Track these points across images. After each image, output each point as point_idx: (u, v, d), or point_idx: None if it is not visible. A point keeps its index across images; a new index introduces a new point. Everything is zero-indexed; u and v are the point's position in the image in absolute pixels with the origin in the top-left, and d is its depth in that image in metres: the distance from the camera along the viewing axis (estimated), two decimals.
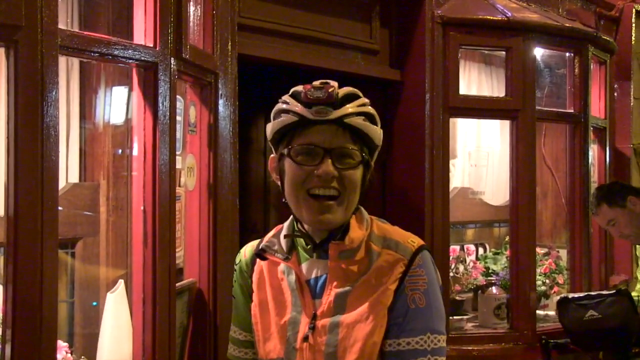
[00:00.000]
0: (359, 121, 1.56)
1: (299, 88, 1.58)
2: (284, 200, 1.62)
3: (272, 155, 1.65)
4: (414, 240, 1.62)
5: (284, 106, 1.58)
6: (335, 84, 1.58)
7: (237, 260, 1.76)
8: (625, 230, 3.61)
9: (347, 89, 1.59)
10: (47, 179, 1.81)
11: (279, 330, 1.61)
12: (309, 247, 1.63)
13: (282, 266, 1.65)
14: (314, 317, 1.57)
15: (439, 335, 1.55)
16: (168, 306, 2.23)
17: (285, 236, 1.65)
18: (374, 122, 1.60)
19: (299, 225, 1.64)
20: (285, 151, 1.58)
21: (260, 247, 1.68)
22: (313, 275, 1.61)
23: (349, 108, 1.55)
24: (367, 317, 1.54)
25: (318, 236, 1.62)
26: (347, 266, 1.58)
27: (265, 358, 1.63)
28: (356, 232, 1.60)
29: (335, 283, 1.58)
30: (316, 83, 1.57)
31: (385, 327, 1.55)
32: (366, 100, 1.61)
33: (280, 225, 1.71)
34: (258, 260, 1.69)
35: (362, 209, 1.66)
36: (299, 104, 1.55)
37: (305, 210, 1.57)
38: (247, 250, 1.75)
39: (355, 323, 1.54)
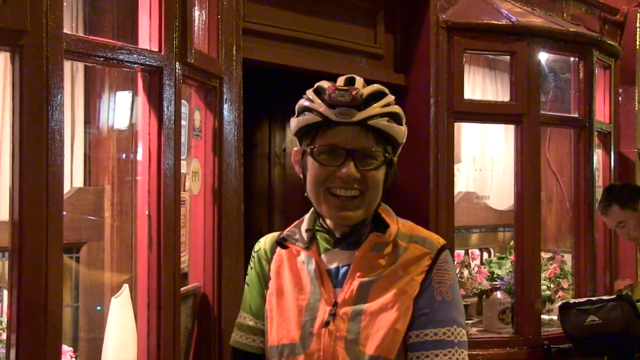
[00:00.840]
0: (383, 122, 1.54)
1: (324, 84, 1.56)
2: (305, 194, 1.62)
3: (295, 149, 1.65)
4: (439, 238, 1.65)
5: (308, 104, 1.56)
6: (360, 82, 1.57)
7: (257, 249, 1.75)
8: (634, 232, 3.61)
9: (372, 88, 1.57)
10: (52, 183, 1.81)
11: (295, 316, 1.60)
12: (331, 240, 1.63)
13: (302, 256, 1.65)
14: (334, 305, 1.57)
15: (463, 329, 1.58)
16: (173, 311, 2.22)
17: (306, 231, 1.65)
18: (398, 121, 1.59)
19: (321, 220, 1.65)
20: (308, 150, 1.57)
21: (281, 236, 1.69)
22: (334, 265, 1.61)
23: (374, 109, 1.53)
24: (391, 306, 1.55)
25: (339, 231, 1.62)
26: (375, 259, 1.59)
27: (277, 344, 1.61)
28: (393, 227, 1.62)
29: (359, 273, 1.58)
30: (341, 82, 1.56)
31: (409, 318, 1.55)
32: (391, 99, 1.58)
33: (301, 218, 1.71)
34: (278, 249, 1.69)
35: (387, 206, 1.67)
36: (322, 104, 1.54)
37: (325, 207, 1.58)
38: (267, 239, 1.75)
39: (379, 311, 1.55)
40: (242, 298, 1.76)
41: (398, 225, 1.65)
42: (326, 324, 1.56)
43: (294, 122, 1.60)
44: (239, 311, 1.75)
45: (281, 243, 1.68)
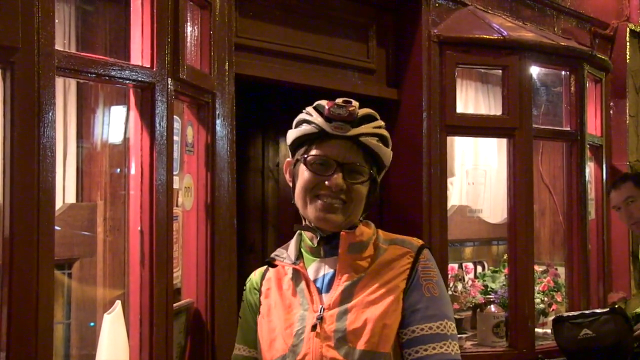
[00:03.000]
0: (372, 142, 1.67)
1: (323, 102, 1.68)
2: (293, 202, 1.73)
3: (288, 159, 1.76)
4: (418, 240, 1.75)
5: (306, 117, 1.69)
6: (356, 103, 1.68)
7: (247, 282, 1.84)
8: (638, 212, 3.60)
9: (366, 110, 1.70)
10: (44, 199, 1.81)
11: (284, 329, 1.66)
12: (314, 245, 1.71)
13: (289, 274, 1.73)
14: (321, 310, 1.63)
15: (453, 323, 1.65)
16: (165, 327, 2.22)
17: (295, 227, 1.75)
18: (386, 144, 1.71)
19: (307, 222, 1.73)
20: (302, 158, 1.68)
21: (270, 257, 1.78)
22: (320, 274, 1.69)
23: (366, 128, 1.66)
24: (376, 301, 1.61)
25: (324, 233, 1.71)
26: (356, 261, 1.67)
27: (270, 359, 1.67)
28: (364, 228, 1.72)
29: (343, 277, 1.66)
30: (339, 100, 1.68)
31: (398, 313, 1.61)
32: (382, 123, 1.71)
33: (287, 242, 1.80)
34: (266, 275, 1.78)
35: (368, 220, 1.77)
36: (320, 117, 1.66)
37: (310, 209, 1.67)
38: (257, 272, 1.84)
39: (364, 307, 1.61)
40: (237, 331, 1.82)
41: (378, 232, 1.75)
42: (314, 327, 1.61)
43: (291, 133, 1.72)
44: (235, 344, 1.81)
45: (269, 262, 1.76)
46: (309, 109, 1.71)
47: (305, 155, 1.67)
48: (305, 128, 1.68)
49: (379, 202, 3.79)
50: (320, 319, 1.61)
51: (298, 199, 1.70)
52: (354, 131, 1.65)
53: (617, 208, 3.74)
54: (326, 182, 1.64)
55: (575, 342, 3.44)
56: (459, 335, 3.79)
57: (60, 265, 2.61)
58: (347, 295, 1.63)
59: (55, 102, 1.86)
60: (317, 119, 1.66)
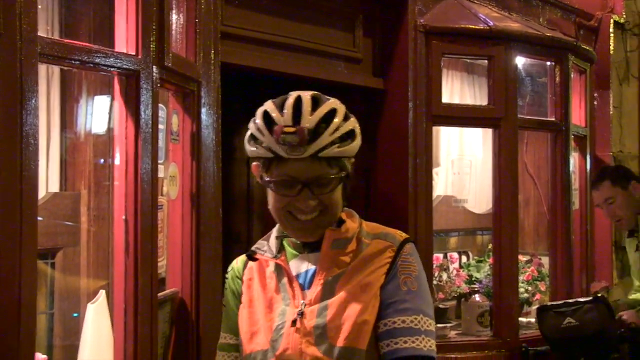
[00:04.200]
0: (334, 151, 1.55)
1: (273, 114, 1.56)
2: (269, 207, 1.65)
3: (254, 164, 1.65)
4: (402, 233, 1.69)
5: (258, 135, 1.57)
6: (307, 105, 1.55)
7: (229, 269, 1.79)
8: (620, 211, 3.67)
9: (320, 112, 1.56)
10: (26, 188, 1.78)
11: (265, 323, 1.63)
12: (298, 242, 1.66)
13: (271, 267, 1.68)
14: (302, 306, 1.60)
15: (430, 319, 1.60)
16: (150, 316, 2.21)
17: (276, 237, 1.69)
18: (351, 137, 1.60)
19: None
20: (264, 181, 1.60)
21: (250, 249, 1.72)
22: (303, 270, 1.65)
23: (323, 140, 1.54)
24: (356, 298, 1.58)
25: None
26: (338, 256, 1.63)
27: (250, 352, 1.64)
28: (351, 224, 1.66)
29: (325, 273, 1.62)
30: (288, 116, 1.54)
31: (376, 308, 1.58)
32: (341, 116, 1.58)
33: (269, 232, 1.74)
34: (248, 264, 1.73)
35: (351, 210, 1.71)
36: (271, 138, 1.54)
37: (289, 229, 1.63)
38: (239, 259, 1.79)
39: (344, 303, 1.58)
40: (222, 320, 1.78)
41: (362, 225, 1.69)
42: (294, 322, 1.59)
43: (247, 151, 1.61)
44: (221, 333, 1.77)
45: (250, 256, 1.71)
46: (259, 121, 1.57)
47: (267, 178, 1.58)
48: (259, 151, 1.57)
49: (365, 191, 3.79)
50: (301, 314, 1.59)
51: (273, 214, 1.63)
52: (311, 149, 1.52)
53: (600, 207, 3.81)
54: (295, 203, 1.57)
55: (559, 331, 3.47)
56: (443, 325, 3.85)
57: (43, 254, 2.59)
58: (328, 291, 1.60)
59: (38, 89, 1.83)
60: (268, 140, 1.54)
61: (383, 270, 1.61)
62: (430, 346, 1.57)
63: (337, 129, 1.57)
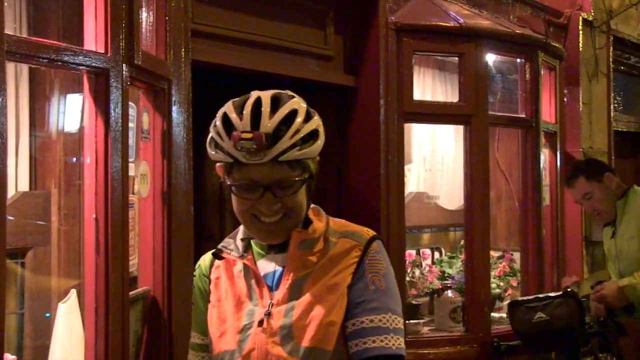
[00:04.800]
0: (294, 154, 1.53)
1: (232, 116, 1.53)
2: (234, 209, 1.63)
3: (218, 164, 1.62)
4: (369, 231, 1.68)
5: (218, 140, 1.55)
6: (266, 107, 1.53)
7: (196, 267, 1.78)
8: (599, 205, 3.69)
9: (280, 114, 1.53)
10: None
11: (233, 323, 1.62)
12: (264, 247, 1.65)
13: (238, 265, 1.67)
14: (270, 306, 1.59)
15: (398, 317, 1.59)
16: (122, 315, 2.20)
17: (242, 239, 1.67)
18: (314, 137, 1.57)
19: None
20: (226, 185, 1.58)
21: (217, 247, 1.70)
22: (270, 270, 1.64)
23: (283, 144, 1.51)
24: (323, 298, 1.57)
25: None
26: (305, 257, 1.61)
27: (218, 352, 1.63)
28: (318, 224, 1.64)
29: (292, 273, 1.61)
30: (246, 118, 1.52)
31: (343, 308, 1.57)
32: (301, 117, 1.55)
33: (236, 230, 1.72)
34: (216, 262, 1.71)
35: (318, 207, 1.69)
36: (231, 144, 1.51)
37: (253, 231, 1.62)
38: (207, 256, 1.77)
39: (311, 304, 1.57)
40: (192, 318, 1.77)
41: (329, 223, 1.67)
42: (260, 323, 1.58)
43: (209, 154, 1.59)
44: (191, 331, 1.76)
45: (217, 254, 1.69)
46: (219, 125, 1.54)
47: (229, 182, 1.56)
48: (219, 156, 1.55)
49: (337, 189, 3.80)
50: (268, 314, 1.58)
51: (237, 216, 1.61)
52: (270, 154, 1.50)
53: (578, 203, 3.84)
54: (258, 206, 1.55)
55: (530, 326, 3.51)
56: (416, 321, 3.87)
57: (13, 254, 2.56)
58: (295, 291, 1.59)
59: (6, 88, 1.82)
60: (227, 145, 1.52)
61: (350, 270, 1.60)
62: (400, 344, 1.56)
63: (297, 131, 1.53)
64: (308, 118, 1.57)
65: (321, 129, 1.60)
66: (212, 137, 1.58)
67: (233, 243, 1.68)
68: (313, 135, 1.57)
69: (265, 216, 1.57)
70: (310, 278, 1.60)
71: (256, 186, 1.54)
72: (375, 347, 1.54)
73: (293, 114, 1.55)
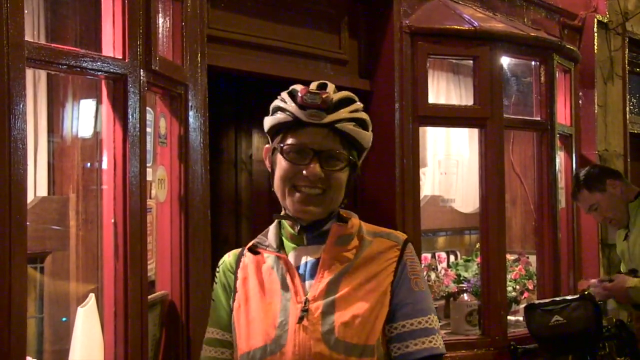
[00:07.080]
0: (349, 127, 1.63)
1: (297, 87, 1.65)
2: (273, 189, 1.69)
3: (266, 146, 1.72)
4: (401, 233, 1.75)
5: (281, 104, 1.65)
6: (332, 87, 1.66)
7: (220, 263, 1.80)
8: (608, 213, 3.66)
9: (342, 94, 1.66)
10: (15, 192, 1.79)
11: (267, 319, 1.63)
12: (296, 234, 1.69)
13: (269, 262, 1.70)
14: (306, 301, 1.61)
15: (437, 316, 1.68)
16: (140, 319, 2.21)
17: (274, 217, 1.72)
18: (365, 127, 1.67)
19: (286, 212, 1.71)
20: (278, 147, 1.65)
21: (251, 243, 1.75)
22: (302, 262, 1.67)
23: (342, 114, 1.62)
24: (364, 295, 1.61)
25: (304, 221, 1.69)
26: (341, 252, 1.66)
27: (247, 350, 1.63)
28: (355, 220, 1.71)
29: (328, 269, 1.64)
30: (313, 87, 1.65)
31: (386, 307, 1.62)
32: (359, 106, 1.67)
33: (266, 229, 1.76)
34: (242, 262, 1.74)
35: (352, 212, 1.75)
36: (294, 105, 1.62)
37: (289, 201, 1.65)
38: (231, 254, 1.80)
39: (352, 300, 1.60)
40: (209, 315, 1.78)
41: (361, 224, 1.73)
42: (300, 319, 1.59)
43: (267, 121, 1.68)
44: (207, 328, 1.77)
45: (252, 249, 1.73)
46: (284, 94, 1.66)
47: (281, 144, 1.63)
48: (279, 116, 1.64)
49: (353, 192, 3.80)
50: (306, 310, 1.59)
51: (277, 189, 1.67)
52: (330, 118, 1.60)
53: (589, 214, 3.81)
54: (304, 172, 1.60)
55: (547, 329, 3.49)
56: None
57: (32, 259, 2.59)
58: (332, 288, 1.62)
59: (26, 94, 1.84)
60: (290, 106, 1.62)
61: (390, 269, 1.65)
62: (442, 343, 1.65)
63: (356, 111, 1.66)
64: (364, 110, 1.68)
65: (370, 126, 1.70)
66: (273, 106, 1.68)
67: (267, 239, 1.73)
68: (366, 124, 1.68)
69: (305, 186, 1.62)
70: (348, 274, 1.63)
71: (307, 151, 1.61)
72: (425, 348, 1.61)
73: (353, 99, 1.67)
